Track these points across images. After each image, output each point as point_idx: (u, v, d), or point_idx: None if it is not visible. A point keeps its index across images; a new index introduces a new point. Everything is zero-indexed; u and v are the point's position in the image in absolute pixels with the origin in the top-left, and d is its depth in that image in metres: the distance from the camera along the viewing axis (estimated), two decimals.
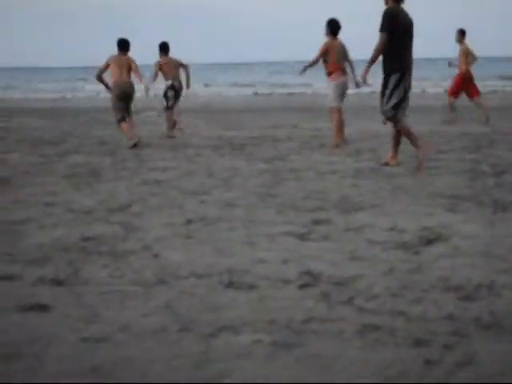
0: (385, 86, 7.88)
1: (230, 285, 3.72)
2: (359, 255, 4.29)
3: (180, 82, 12.70)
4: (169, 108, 12.69)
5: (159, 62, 12.54)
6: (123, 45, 11.28)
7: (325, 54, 10.41)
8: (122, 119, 10.99)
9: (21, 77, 68.06)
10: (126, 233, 4.96)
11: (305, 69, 10.44)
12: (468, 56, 13.81)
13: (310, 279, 3.80)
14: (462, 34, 13.80)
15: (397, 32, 7.69)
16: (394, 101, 7.82)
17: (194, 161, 8.91)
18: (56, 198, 6.39)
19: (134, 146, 10.51)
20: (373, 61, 7.81)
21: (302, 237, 4.77)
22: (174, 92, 12.57)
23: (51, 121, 16.88)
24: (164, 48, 12.64)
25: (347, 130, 10.80)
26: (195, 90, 38.91)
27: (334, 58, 10.35)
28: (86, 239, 4.78)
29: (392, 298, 3.49)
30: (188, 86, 12.76)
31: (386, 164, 8.13)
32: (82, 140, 11.96)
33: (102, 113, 16.91)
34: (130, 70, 11.11)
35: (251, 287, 3.68)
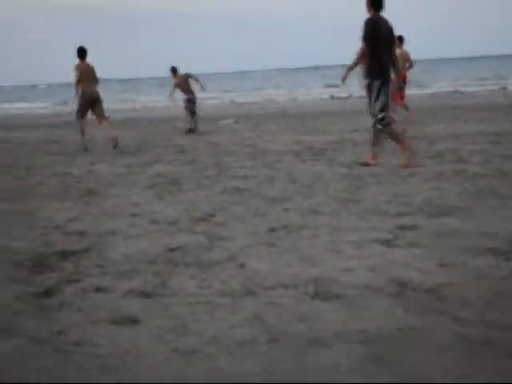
0: (369, 91, 8.34)
1: (316, 295, 3.69)
2: (448, 262, 4.18)
3: (193, 94, 16.48)
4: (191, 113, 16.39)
5: (174, 82, 16.47)
6: (84, 52, 13.02)
7: None
8: (82, 117, 13.08)
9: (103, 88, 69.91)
10: (211, 243, 4.99)
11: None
12: (406, 61, 14.99)
13: (398, 287, 3.72)
14: (400, 40, 14.86)
15: (378, 40, 8.15)
16: (379, 105, 8.30)
17: (274, 167, 8.91)
18: (140, 208, 6.51)
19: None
20: (351, 68, 8.27)
21: (388, 243, 4.69)
22: (190, 103, 16.35)
23: (132, 131, 17.25)
24: (174, 71, 16.50)
25: (427, 131, 10.61)
26: (271, 96, 39.08)
27: None
28: (172, 250, 4.83)
29: (485, 307, 3.38)
30: (203, 87, 16.06)
31: (366, 164, 8.48)
32: (162, 149, 12.16)
33: (181, 121, 17.16)
34: (94, 76, 13.03)
35: (338, 297, 3.64)
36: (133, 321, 3.46)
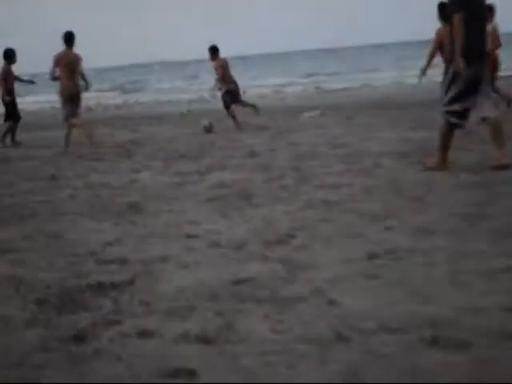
0: (444, 77, 8.99)
1: (434, 342, 3.62)
2: None
3: (235, 83, 16.96)
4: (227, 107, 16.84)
5: (221, 65, 16.68)
6: (70, 38, 14.20)
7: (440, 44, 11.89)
8: (66, 119, 14.40)
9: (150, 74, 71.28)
10: (290, 272, 4.97)
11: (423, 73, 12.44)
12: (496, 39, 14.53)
13: None
14: (490, 10, 14.75)
15: (464, 14, 8.50)
16: (450, 95, 8.75)
17: (373, 174, 8.85)
18: (198, 228, 6.55)
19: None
20: (460, 52, 8.55)
21: None
22: (231, 95, 16.73)
23: (187, 128, 17.44)
24: (214, 51, 16.70)
25: None
26: (367, 80, 38.97)
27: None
28: (239, 282, 4.83)
29: None
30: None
31: (499, 167, 8.46)
32: (226, 152, 12.23)
33: (252, 116, 17.26)
34: (75, 68, 14.16)
35: (464, 345, 3.56)
36: (189, 374, 3.46)
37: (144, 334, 4.00)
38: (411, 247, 5.38)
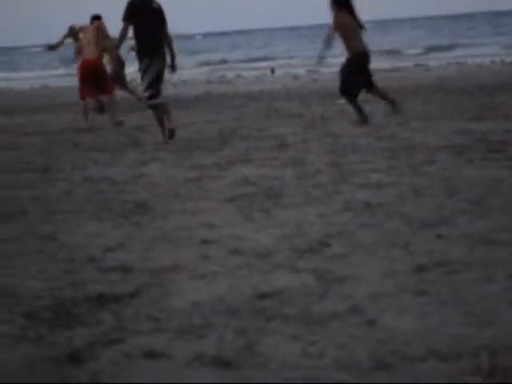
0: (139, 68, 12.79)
1: (494, 371, 3.61)
2: None
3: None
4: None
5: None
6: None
7: None
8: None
9: None
10: (324, 286, 4.99)
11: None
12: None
13: None
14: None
15: (136, 20, 12.54)
16: (144, 83, 12.62)
17: (423, 171, 8.83)
18: (216, 232, 6.57)
19: None
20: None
21: None
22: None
23: (212, 113, 17.46)
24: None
25: None
26: (419, 60, 38.76)
27: None
28: (263, 296, 4.86)
29: None
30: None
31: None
32: (253, 142, 12.24)
33: (278, 99, 17.26)
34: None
35: None
36: None
37: (151, 354, 4.03)
38: (467, 260, 5.38)
